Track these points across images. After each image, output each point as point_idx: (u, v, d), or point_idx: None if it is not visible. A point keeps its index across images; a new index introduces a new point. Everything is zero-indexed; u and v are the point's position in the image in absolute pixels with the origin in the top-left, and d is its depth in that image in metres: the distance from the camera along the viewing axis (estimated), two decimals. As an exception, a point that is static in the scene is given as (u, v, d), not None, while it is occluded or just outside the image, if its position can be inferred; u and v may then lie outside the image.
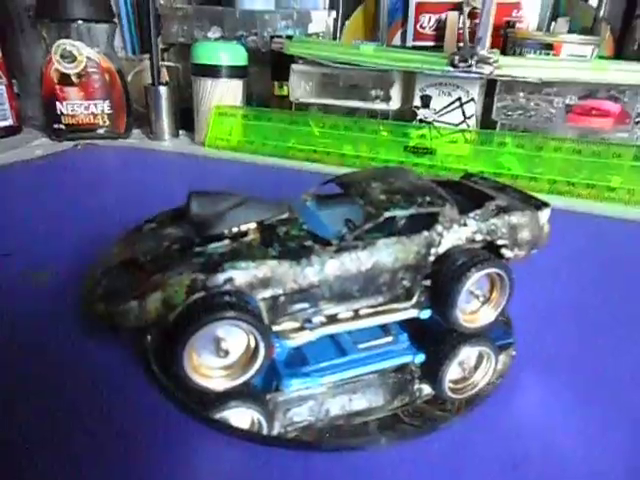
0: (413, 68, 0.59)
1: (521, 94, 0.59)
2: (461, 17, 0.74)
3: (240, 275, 0.24)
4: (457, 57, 0.55)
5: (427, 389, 0.26)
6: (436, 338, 0.30)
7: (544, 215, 0.31)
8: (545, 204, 0.31)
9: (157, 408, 0.24)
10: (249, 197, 0.28)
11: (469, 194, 0.33)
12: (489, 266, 0.27)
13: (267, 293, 0.24)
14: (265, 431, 0.23)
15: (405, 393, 0.26)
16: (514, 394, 0.26)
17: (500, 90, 0.60)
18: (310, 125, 0.66)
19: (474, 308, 0.29)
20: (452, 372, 0.28)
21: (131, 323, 0.23)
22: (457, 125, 0.63)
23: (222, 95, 0.73)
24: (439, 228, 0.28)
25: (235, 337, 0.24)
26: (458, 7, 0.77)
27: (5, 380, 0.26)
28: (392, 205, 0.27)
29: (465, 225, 0.29)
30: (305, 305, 0.26)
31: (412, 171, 0.32)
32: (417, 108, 0.64)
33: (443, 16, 0.80)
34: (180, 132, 0.81)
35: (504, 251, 0.30)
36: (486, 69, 0.55)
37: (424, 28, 0.84)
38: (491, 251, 0.29)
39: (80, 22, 0.71)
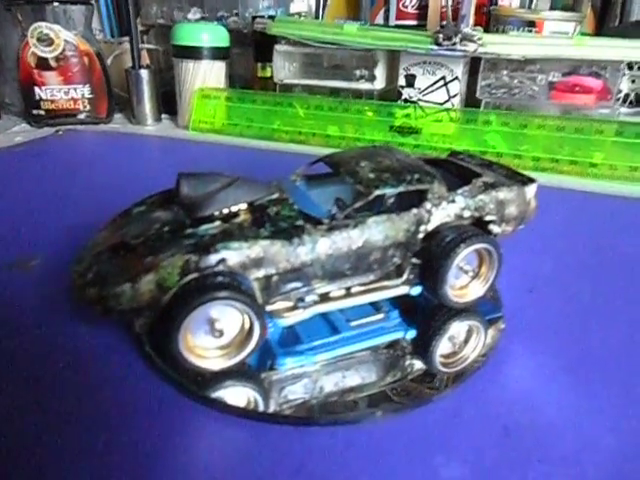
0: (397, 47, 0.59)
1: (504, 72, 0.59)
2: (444, -5, 0.74)
3: (233, 255, 0.24)
4: (441, 35, 0.55)
5: (419, 364, 0.27)
6: (426, 314, 0.30)
7: (531, 190, 0.31)
8: (531, 180, 0.32)
9: (154, 389, 0.24)
10: (239, 178, 0.28)
11: (456, 171, 0.33)
12: (478, 241, 0.28)
13: (260, 273, 0.24)
14: (261, 408, 0.24)
15: (397, 369, 0.27)
16: (503, 366, 0.27)
17: (484, 68, 0.60)
18: (294, 106, 0.66)
19: (463, 283, 0.30)
20: (443, 347, 0.28)
21: (124, 306, 0.23)
22: (442, 104, 0.63)
23: (205, 77, 0.72)
24: (428, 205, 0.28)
25: (229, 317, 0.24)
26: (441, -15, 0.76)
27: (-2, 367, 0.26)
28: (381, 183, 0.27)
29: (453, 202, 0.29)
30: (298, 284, 0.26)
31: (400, 150, 0.32)
32: (402, 87, 0.64)
33: (426, -6, 0.80)
34: (163, 116, 0.80)
35: (492, 227, 0.30)
36: (470, 47, 0.55)
37: (406, 7, 0.84)
38: (479, 227, 0.29)
39: (56, 4, 0.69)
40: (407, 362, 0.27)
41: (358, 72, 0.64)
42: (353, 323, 0.29)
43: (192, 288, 0.23)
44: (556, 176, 0.56)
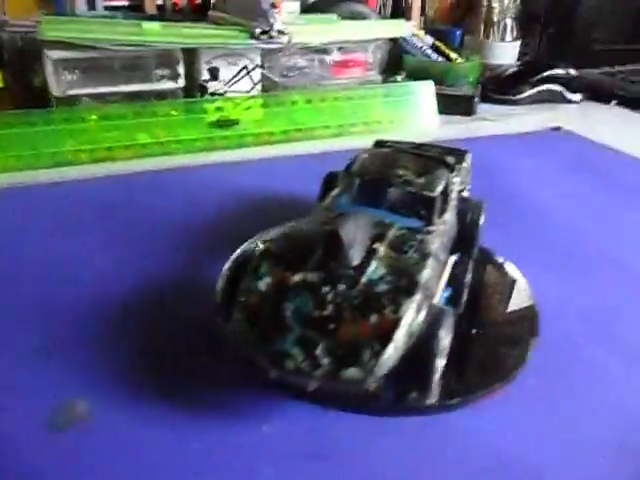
0: (216, 44, 0.57)
1: (296, 57, 0.65)
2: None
3: (430, 285, 0.27)
4: (258, 30, 0.56)
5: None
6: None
7: (470, 158, 0.42)
8: (465, 151, 0.42)
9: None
10: (352, 216, 0.29)
11: None
12: (484, 208, 0.37)
13: (433, 291, 0.28)
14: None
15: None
16: (542, 284, 0.35)
17: (280, 55, 0.64)
18: (88, 120, 0.56)
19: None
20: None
21: (384, 370, 0.24)
22: (248, 92, 0.65)
23: None
24: (449, 190, 0.35)
25: None
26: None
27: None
28: (433, 185, 0.33)
29: (453, 183, 0.37)
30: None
31: (394, 140, 0.38)
32: (206, 82, 0.62)
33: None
34: None
35: (465, 194, 0.39)
36: (284, 38, 0.58)
37: (113, -12, 0.78)
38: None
39: None
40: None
41: (159, 72, 0.59)
42: None
43: (433, 325, 0.25)
44: (349, 137, 0.66)
